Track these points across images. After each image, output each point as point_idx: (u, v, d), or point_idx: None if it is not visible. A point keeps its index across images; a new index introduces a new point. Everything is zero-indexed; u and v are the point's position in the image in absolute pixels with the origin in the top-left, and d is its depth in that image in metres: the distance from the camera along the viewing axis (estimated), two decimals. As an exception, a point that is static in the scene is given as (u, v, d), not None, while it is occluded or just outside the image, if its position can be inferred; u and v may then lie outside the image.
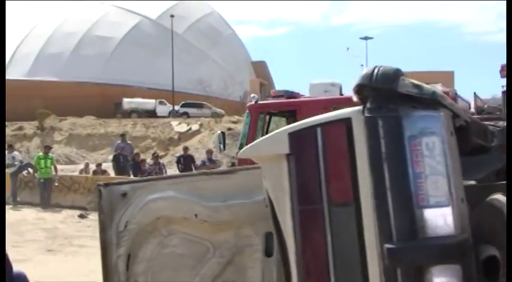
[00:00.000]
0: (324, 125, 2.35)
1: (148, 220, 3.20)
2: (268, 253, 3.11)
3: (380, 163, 2.20)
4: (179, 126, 33.27)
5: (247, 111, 10.55)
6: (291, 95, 10.67)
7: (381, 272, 2.19)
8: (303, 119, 8.04)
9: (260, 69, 52.30)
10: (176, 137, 31.92)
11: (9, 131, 37.60)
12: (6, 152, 14.66)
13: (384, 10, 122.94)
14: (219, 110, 38.44)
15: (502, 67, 9.92)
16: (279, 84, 61.06)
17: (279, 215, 2.49)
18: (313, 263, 2.37)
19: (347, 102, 8.67)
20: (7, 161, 15.03)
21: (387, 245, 2.14)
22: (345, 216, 2.29)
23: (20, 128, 35.93)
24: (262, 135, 9.43)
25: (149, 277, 3.24)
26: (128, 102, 40.59)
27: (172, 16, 43.87)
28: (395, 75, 2.26)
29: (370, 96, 2.27)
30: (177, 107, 40.49)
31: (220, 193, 3.16)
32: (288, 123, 9.16)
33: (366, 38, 54.00)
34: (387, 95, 2.23)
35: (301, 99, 10.50)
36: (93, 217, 11.44)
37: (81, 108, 36.94)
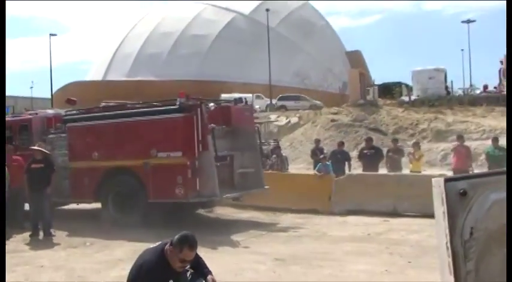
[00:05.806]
0: None
1: (496, 226, 2.56)
2: None
3: None
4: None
5: None
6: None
7: None
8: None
9: (355, 59, 50.96)
10: (275, 130, 31.33)
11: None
12: None
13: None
14: (318, 102, 37.64)
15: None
16: (376, 74, 59.46)
17: None
18: None
19: (26, 122, 13.19)
20: None
21: None
22: None
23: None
24: None
25: None
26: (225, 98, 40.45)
27: (267, 10, 43.57)
28: None
29: None
30: (274, 101, 40.10)
31: None
32: None
33: (468, 21, 51.29)
34: None
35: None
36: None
37: (181, 106, 37.19)
